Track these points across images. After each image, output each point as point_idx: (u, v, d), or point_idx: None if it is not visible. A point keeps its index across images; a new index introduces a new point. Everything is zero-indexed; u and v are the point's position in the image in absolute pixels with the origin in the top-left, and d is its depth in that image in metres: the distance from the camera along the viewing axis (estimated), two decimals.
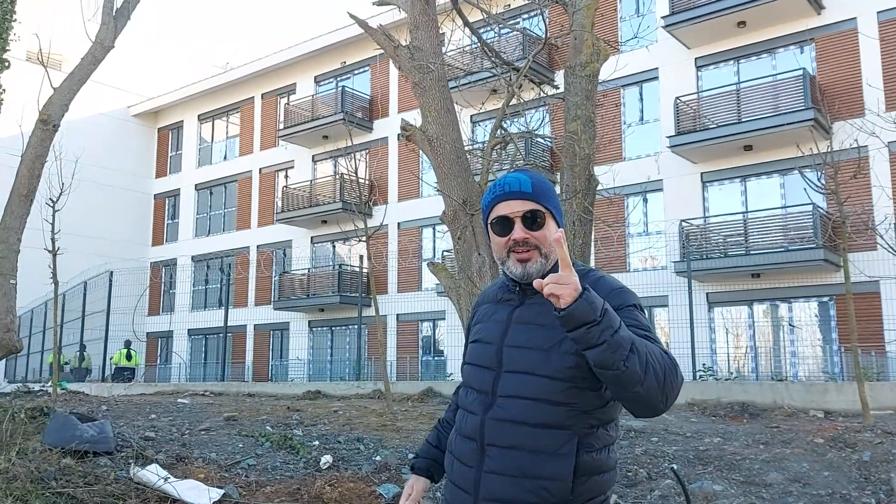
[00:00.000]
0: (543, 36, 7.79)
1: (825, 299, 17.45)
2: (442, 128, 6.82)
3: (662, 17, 19.06)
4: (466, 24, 7.11)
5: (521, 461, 1.81)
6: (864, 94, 16.88)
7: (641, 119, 20.60)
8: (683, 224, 18.05)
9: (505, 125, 7.84)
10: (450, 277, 7.00)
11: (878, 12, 17.39)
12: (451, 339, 21.23)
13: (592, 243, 7.47)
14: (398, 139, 24.18)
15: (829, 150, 10.17)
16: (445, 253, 20.90)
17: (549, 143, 20.46)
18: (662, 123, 19.63)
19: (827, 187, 10.27)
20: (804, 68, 17.46)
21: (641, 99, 20.69)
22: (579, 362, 1.77)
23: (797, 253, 16.58)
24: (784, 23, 18.26)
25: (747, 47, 18.96)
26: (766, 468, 7.63)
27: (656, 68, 20.09)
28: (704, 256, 17.77)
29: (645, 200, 19.96)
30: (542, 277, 1.76)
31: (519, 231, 1.91)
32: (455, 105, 7.14)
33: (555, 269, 1.95)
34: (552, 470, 1.79)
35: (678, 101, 18.68)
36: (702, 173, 19.24)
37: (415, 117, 8.01)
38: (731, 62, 19.38)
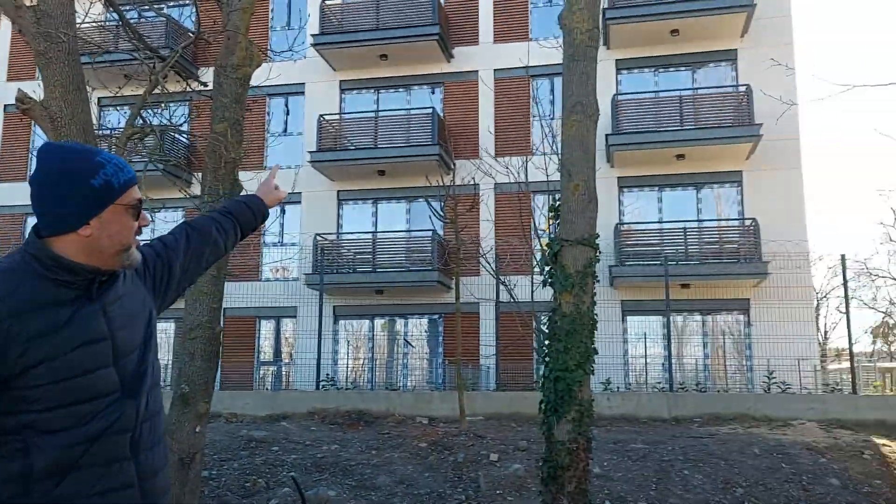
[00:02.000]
0: (192, 28, 7.46)
1: (436, 317, 19.32)
2: (70, 107, 6.10)
3: (312, 35, 19.55)
4: (115, 8, 6.48)
5: (160, 421, 1.93)
6: (481, 139, 19.19)
7: (286, 131, 20.82)
8: (318, 238, 18.59)
9: (146, 116, 7.31)
10: None
11: (494, 69, 19.95)
12: None
13: None
14: (3, 111, 21.29)
15: (452, 183, 11.35)
16: None
17: (186, 141, 19.57)
18: (306, 138, 20.05)
19: (447, 217, 11.44)
20: (434, 108, 19.28)
21: (287, 111, 20.92)
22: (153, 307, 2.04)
23: (417, 273, 18.13)
24: (419, 63, 19.96)
25: (387, 79, 20.34)
26: (377, 472, 8.15)
27: (303, 83, 20.49)
28: (335, 271, 18.49)
29: (283, 212, 20.16)
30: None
31: (146, 218, 1.86)
32: (87, 85, 6.44)
33: None
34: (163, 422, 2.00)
35: (322, 118, 19.28)
36: (338, 191, 20.04)
37: (35, 89, 7.05)
38: (373, 91, 20.60)
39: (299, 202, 19.82)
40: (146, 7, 8.77)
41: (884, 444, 9.23)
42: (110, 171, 1.79)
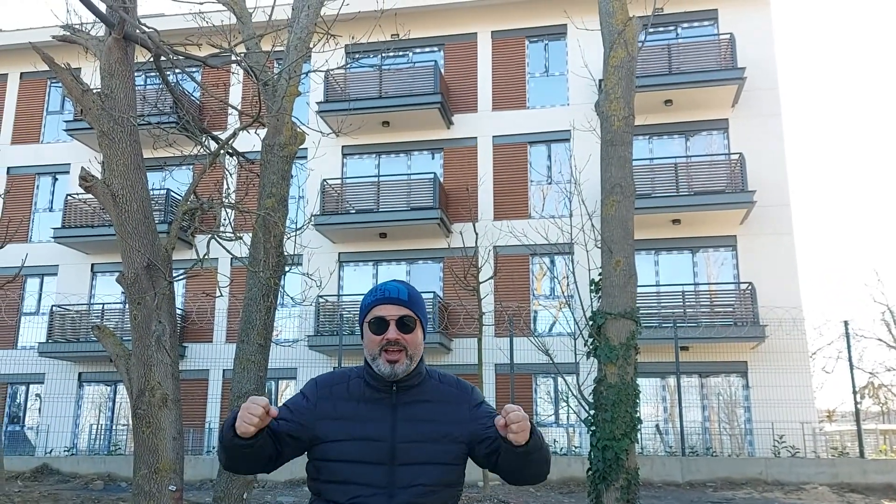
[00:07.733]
0: (229, 104, 7.84)
1: None
2: (130, 184, 6.41)
3: (317, 103, 20.06)
4: (165, 82, 6.82)
5: None
6: (480, 203, 19.61)
7: (293, 195, 21.16)
8: (320, 300, 18.75)
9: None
10: (118, 344, 6.47)
11: (493, 136, 20.54)
12: (53, 407, 18.83)
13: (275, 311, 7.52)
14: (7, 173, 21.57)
15: (461, 247, 11.66)
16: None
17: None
18: (309, 201, 20.38)
19: (464, 280, 11.72)
20: (435, 173, 19.74)
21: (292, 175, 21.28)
22: (465, 449, 2.19)
23: None
24: (420, 129, 20.52)
25: (389, 145, 20.85)
26: None
27: (306, 148, 20.86)
28: (336, 333, 18.60)
29: (285, 273, 20.32)
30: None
31: (392, 332, 2.16)
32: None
33: (418, 369, 2.17)
34: None
35: (325, 183, 19.65)
36: (339, 253, 20.31)
37: (92, 165, 7.40)
38: (374, 156, 21.08)
39: (300, 264, 20.02)
40: (182, 75, 9.09)
41: None
42: (366, 297, 2.23)
